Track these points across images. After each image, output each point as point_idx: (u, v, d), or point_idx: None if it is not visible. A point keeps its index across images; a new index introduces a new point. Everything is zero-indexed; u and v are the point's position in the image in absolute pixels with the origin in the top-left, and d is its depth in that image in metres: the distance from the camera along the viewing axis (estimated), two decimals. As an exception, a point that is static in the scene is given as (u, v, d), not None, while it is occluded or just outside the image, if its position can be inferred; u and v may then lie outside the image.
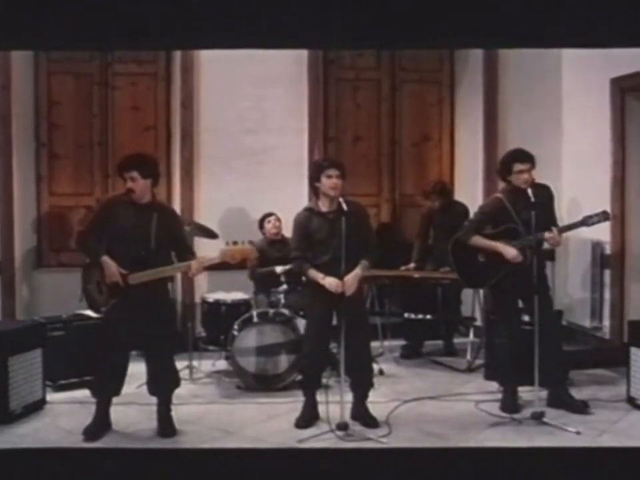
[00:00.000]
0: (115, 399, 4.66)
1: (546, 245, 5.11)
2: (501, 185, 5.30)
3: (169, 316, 4.97)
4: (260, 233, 6.38)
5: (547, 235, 4.83)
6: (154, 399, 4.70)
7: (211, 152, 6.94)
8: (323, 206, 4.73)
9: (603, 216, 4.79)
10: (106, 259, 4.48)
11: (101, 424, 4.59)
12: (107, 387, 4.65)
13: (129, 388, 4.83)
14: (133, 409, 4.96)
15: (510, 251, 4.89)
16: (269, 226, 6.33)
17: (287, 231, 5.66)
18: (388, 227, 7.62)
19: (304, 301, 5.09)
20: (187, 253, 4.67)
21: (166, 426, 4.64)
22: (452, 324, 6.86)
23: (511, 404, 4.98)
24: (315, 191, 4.78)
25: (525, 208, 4.83)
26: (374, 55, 7.56)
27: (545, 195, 4.96)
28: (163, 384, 4.69)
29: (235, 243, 4.50)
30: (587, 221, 4.81)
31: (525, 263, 4.84)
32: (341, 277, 4.52)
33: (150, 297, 4.52)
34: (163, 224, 4.57)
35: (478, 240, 5.05)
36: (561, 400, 4.97)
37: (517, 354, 4.94)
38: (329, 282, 4.58)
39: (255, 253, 4.79)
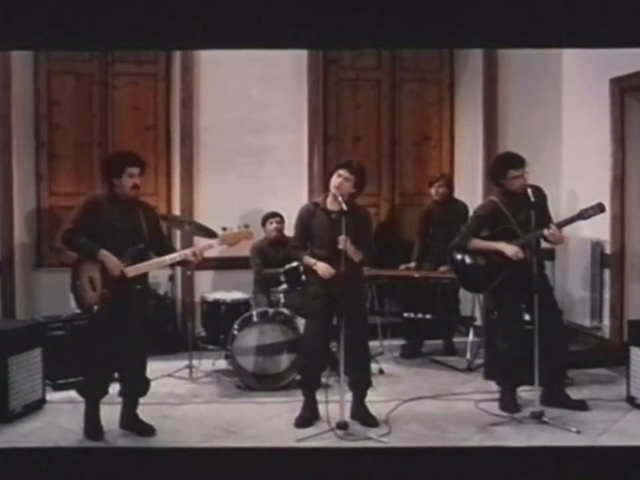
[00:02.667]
0: (116, 399, 4.65)
1: (545, 245, 5.11)
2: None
3: (148, 314, 4.94)
4: (262, 232, 6.35)
5: (546, 231, 4.80)
6: (154, 399, 4.69)
7: (211, 152, 6.94)
8: (330, 203, 4.77)
9: (599, 208, 4.77)
10: (105, 252, 4.40)
11: (98, 423, 4.55)
12: (99, 387, 4.58)
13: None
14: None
15: (510, 249, 4.88)
16: (270, 227, 6.31)
17: (289, 231, 5.67)
18: (387, 227, 7.62)
19: (304, 301, 5.09)
20: (168, 247, 4.73)
21: (144, 425, 4.59)
22: (452, 323, 6.87)
23: (510, 404, 4.98)
24: (327, 187, 4.87)
25: (521, 209, 4.83)
26: (374, 54, 7.56)
27: (538, 196, 4.94)
28: (137, 385, 4.64)
29: (231, 229, 4.67)
30: (583, 214, 4.79)
31: (525, 263, 4.84)
32: (339, 274, 4.54)
33: (137, 293, 4.53)
34: (149, 219, 4.62)
35: (477, 243, 5.05)
36: (556, 399, 4.97)
37: (517, 355, 4.94)
38: (321, 267, 4.66)
39: (252, 236, 4.85)
